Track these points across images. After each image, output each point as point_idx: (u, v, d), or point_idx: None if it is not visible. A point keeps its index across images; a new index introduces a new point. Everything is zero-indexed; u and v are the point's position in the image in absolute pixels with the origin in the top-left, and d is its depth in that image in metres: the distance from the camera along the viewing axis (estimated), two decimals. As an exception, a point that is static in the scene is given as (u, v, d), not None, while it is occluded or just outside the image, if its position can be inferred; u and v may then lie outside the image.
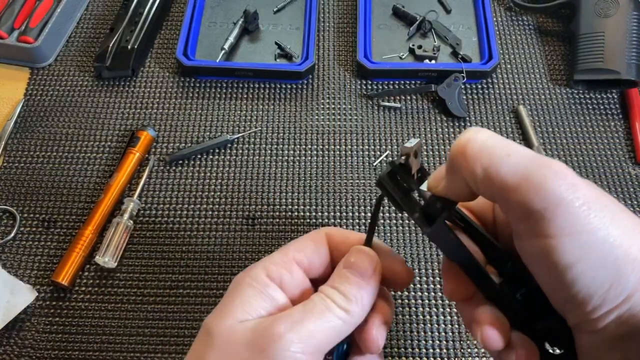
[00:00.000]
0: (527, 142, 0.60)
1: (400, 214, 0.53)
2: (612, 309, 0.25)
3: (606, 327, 0.26)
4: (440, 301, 0.51)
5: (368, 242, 0.33)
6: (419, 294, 0.52)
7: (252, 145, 0.60)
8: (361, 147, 0.60)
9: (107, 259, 0.51)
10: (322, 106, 0.62)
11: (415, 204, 0.30)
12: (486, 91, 0.63)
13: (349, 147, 0.60)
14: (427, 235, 0.30)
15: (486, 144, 0.27)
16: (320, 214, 0.56)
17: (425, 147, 0.60)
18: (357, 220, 0.55)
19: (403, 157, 0.30)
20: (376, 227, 0.33)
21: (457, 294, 0.31)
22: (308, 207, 0.56)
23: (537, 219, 0.25)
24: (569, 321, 0.28)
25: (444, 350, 0.49)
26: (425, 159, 0.59)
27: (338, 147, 0.60)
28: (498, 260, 0.30)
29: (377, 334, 0.31)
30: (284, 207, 0.56)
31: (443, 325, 0.50)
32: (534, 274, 0.27)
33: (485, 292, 0.30)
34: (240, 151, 0.59)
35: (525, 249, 0.27)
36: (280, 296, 0.31)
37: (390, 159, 0.28)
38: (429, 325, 0.50)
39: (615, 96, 0.63)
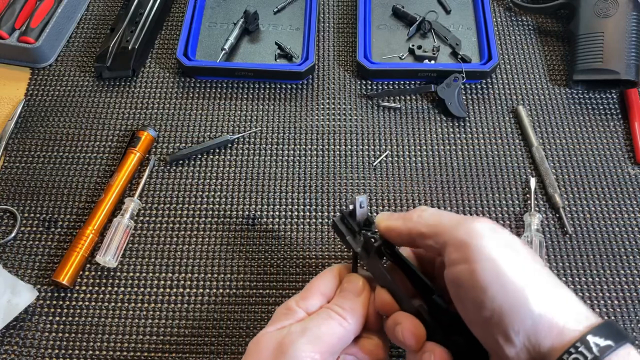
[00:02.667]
0: (527, 142, 0.60)
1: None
2: (523, 331, 0.30)
3: (517, 355, 0.31)
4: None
5: (355, 270, 0.42)
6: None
7: (252, 145, 0.60)
8: (361, 147, 0.60)
9: (107, 258, 0.51)
10: (322, 106, 0.62)
11: (359, 242, 0.41)
12: (486, 91, 0.64)
13: (349, 147, 0.60)
14: (364, 265, 0.40)
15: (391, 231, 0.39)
16: (320, 214, 0.56)
17: (425, 147, 0.60)
18: (357, 220, 0.55)
19: (351, 206, 0.41)
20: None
21: (384, 309, 0.38)
22: (308, 207, 0.56)
23: (459, 250, 0.33)
24: (490, 349, 0.33)
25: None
26: (425, 159, 0.59)
27: (338, 147, 0.60)
28: (425, 291, 0.38)
29: None
30: (284, 207, 0.56)
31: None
32: (460, 302, 0.34)
33: (404, 309, 0.38)
34: (241, 151, 0.60)
35: (454, 275, 0.33)
36: (302, 316, 0.38)
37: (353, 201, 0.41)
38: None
39: (615, 96, 0.64)
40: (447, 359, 0.35)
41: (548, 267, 0.34)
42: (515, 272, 0.31)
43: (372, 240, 0.39)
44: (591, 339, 0.29)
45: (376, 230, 0.40)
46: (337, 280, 0.40)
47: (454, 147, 0.60)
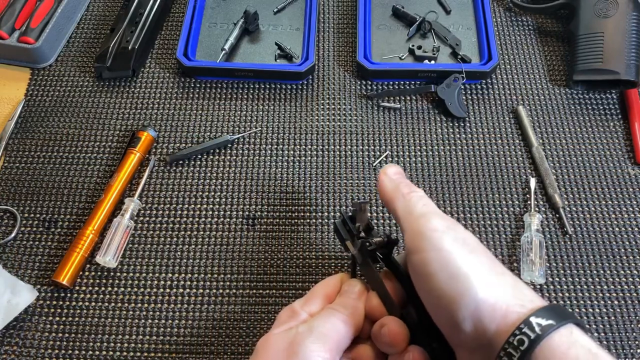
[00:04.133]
0: (527, 142, 0.60)
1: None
2: (468, 316, 0.32)
3: (467, 338, 0.33)
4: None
5: (354, 273, 0.44)
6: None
7: (252, 146, 0.60)
8: (361, 147, 0.60)
9: (107, 258, 0.51)
10: (322, 106, 0.62)
11: (357, 245, 0.43)
12: (486, 92, 0.64)
13: (349, 147, 0.60)
14: (358, 266, 0.43)
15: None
16: (320, 214, 0.56)
17: (425, 148, 0.60)
18: (357, 220, 0.55)
19: (353, 210, 0.43)
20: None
21: (372, 312, 0.39)
22: (308, 207, 0.56)
23: (410, 244, 0.37)
24: (447, 338, 0.35)
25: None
26: (425, 159, 0.59)
27: (338, 147, 0.60)
28: (415, 297, 0.38)
29: None
30: (284, 207, 0.56)
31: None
32: (419, 290, 0.36)
33: (392, 314, 0.39)
34: (241, 151, 0.60)
35: (411, 263, 0.36)
36: (305, 317, 0.39)
37: (356, 203, 0.43)
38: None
39: (615, 97, 0.64)
40: None
41: (498, 260, 0.36)
42: (461, 261, 0.34)
43: (367, 244, 0.41)
44: (534, 320, 0.31)
45: (375, 239, 0.42)
46: (339, 285, 0.42)
47: (454, 148, 0.60)
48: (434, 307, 0.35)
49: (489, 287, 0.33)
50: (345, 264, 0.53)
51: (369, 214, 0.43)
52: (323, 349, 0.35)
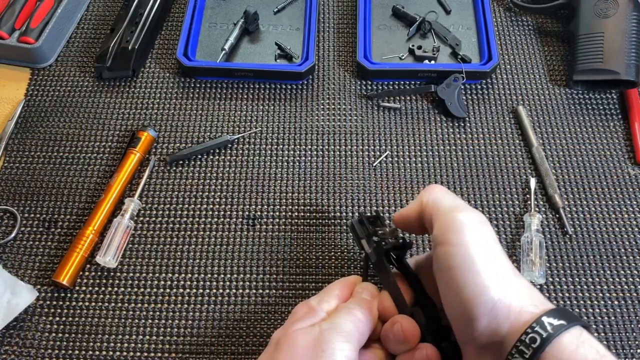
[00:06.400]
0: (527, 142, 0.60)
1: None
2: (484, 313, 0.34)
3: (480, 335, 0.34)
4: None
5: (366, 273, 0.46)
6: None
7: (253, 146, 0.60)
8: (361, 147, 0.60)
9: (107, 259, 0.51)
10: (322, 107, 0.62)
11: (372, 245, 0.44)
12: (486, 92, 0.64)
13: (349, 147, 0.60)
14: (372, 265, 0.44)
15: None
16: (320, 214, 0.56)
17: (425, 148, 0.60)
18: (357, 221, 0.55)
19: (373, 215, 0.46)
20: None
21: (385, 312, 0.40)
22: (308, 207, 0.56)
23: (438, 236, 0.38)
24: (456, 335, 0.36)
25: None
26: (425, 159, 0.59)
27: (338, 147, 0.60)
28: (423, 300, 0.41)
29: None
30: (284, 207, 0.56)
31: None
32: (439, 283, 0.37)
33: (402, 313, 0.40)
34: (241, 151, 0.60)
35: (435, 255, 0.37)
36: (324, 315, 0.40)
37: (371, 213, 0.45)
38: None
39: (615, 97, 0.64)
40: (437, 358, 0.37)
41: (514, 265, 0.37)
42: (483, 260, 0.35)
43: (383, 243, 0.43)
44: (545, 319, 0.32)
45: (391, 239, 0.43)
46: (353, 286, 0.43)
47: (454, 148, 0.60)
48: (451, 301, 0.36)
49: (506, 288, 0.34)
50: (345, 264, 0.53)
51: (388, 222, 0.45)
52: (349, 347, 0.36)
